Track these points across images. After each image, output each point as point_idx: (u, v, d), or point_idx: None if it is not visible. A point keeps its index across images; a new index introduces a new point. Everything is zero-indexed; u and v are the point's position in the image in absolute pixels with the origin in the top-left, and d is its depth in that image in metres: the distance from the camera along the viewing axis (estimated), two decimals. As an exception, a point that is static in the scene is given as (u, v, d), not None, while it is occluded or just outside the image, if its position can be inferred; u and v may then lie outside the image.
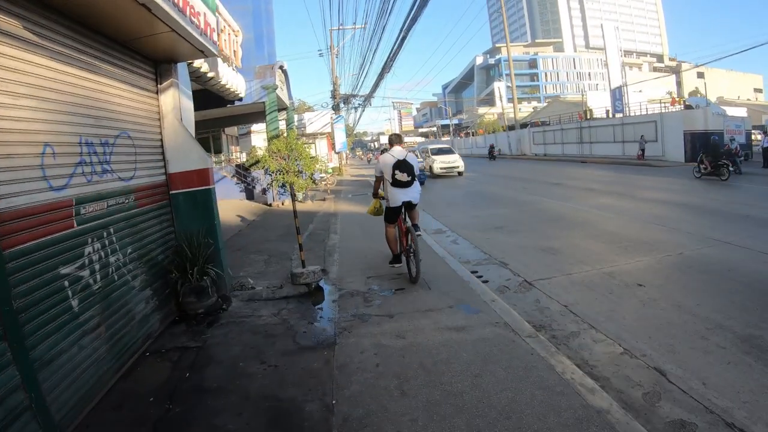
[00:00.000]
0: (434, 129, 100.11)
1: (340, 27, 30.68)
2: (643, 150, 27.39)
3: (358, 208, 15.04)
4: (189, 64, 10.03)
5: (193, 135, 6.98)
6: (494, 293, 5.92)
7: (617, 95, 35.48)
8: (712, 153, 17.57)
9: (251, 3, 31.00)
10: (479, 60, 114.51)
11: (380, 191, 7.25)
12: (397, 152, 6.66)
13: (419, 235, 6.51)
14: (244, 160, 23.45)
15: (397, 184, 6.56)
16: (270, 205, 18.31)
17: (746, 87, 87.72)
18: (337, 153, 31.99)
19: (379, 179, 7.02)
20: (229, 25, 14.56)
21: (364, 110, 43.56)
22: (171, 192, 6.23)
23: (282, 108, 23.63)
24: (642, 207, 11.81)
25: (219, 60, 14.13)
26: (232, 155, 28.06)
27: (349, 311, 5.56)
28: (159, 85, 6.29)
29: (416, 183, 6.66)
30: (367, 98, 35.39)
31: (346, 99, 35.47)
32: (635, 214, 10.81)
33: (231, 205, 19.08)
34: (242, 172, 22.02)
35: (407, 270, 6.77)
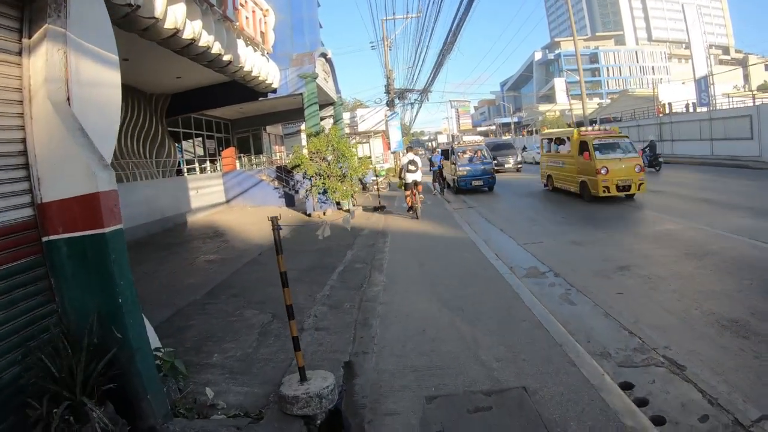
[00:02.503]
0: (493, 127, 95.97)
1: (393, 17, 27.52)
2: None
3: (416, 224, 11.79)
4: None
5: (113, 130, 4.03)
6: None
7: (702, 86, 30.38)
8: None
9: None
10: (538, 56, 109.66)
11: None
12: (411, 155, 13.96)
13: (422, 198, 13.48)
14: (287, 161, 20.75)
15: (409, 171, 13.12)
16: (309, 215, 15.40)
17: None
18: (393, 153, 28.98)
19: (401, 169, 13.87)
20: (254, 2, 11.75)
21: (420, 107, 40.20)
22: (44, 238, 3.24)
23: (328, 103, 20.75)
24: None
25: (240, 41, 11.32)
26: (275, 156, 25.51)
27: None
28: (25, 40, 3.33)
29: (419, 171, 13.31)
30: (424, 92, 32.01)
31: (401, 94, 32.25)
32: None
33: (265, 215, 16.21)
34: (284, 176, 19.34)
35: (416, 217, 12.65)
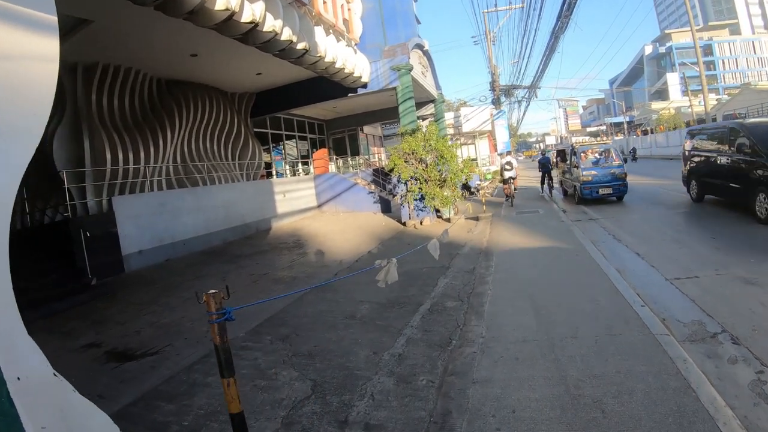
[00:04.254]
0: (603, 127, 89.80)
1: (495, 9, 25.06)
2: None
3: (528, 240, 9.56)
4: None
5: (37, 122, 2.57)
6: None
7: None
8: None
9: None
10: (648, 50, 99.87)
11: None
12: (507, 158, 18.72)
13: (516, 189, 17.55)
14: (385, 163, 19.24)
15: (505, 170, 17.18)
16: (404, 223, 13.69)
17: None
18: (500, 154, 26.58)
19: (501, 168, 18.42)
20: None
21: (528, 105, 37.17)
22: None
23: (427, 100, 18.92)
24: None
25: (318, 29, 9.87)
26: (372, 158, 24.18)
27: None
28: None
29: (514, 170, 17.22)
30: (532, 87, 28.94)
31: (508, 91, 29.50)
32: None
33: (356, 222, 14.91)
34: (380, 179, 17.87)
35: (511, 205, 16.06)
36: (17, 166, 2.50)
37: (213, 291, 2.53)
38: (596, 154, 15.06)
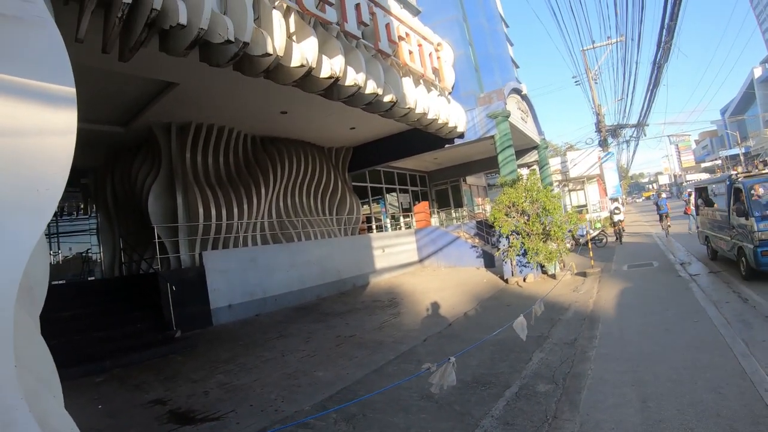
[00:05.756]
0: (718, 162, 79.80)
1: (592, 46, 23.73)
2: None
3: (639, 302, 8.14)
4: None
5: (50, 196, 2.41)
6: None
7: None
8: None
9: (454, 11, 25.31)
10: (757, 72, 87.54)
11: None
12: (616, 204, 20.98)
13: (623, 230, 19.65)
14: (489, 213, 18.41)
15: (614, 214, 19.89)
16: (506, 280, 12.66)
17: None
18: (611, 200, 24.56)
19: (611, 213, 20.83)
20: (417, 32, 10.10)
21: (637, 144, 34.32)
22: None
23: (530, 147, 17.93)
24: None
25: (406, 80, 9.66)
26: (476, 209, 23.33)
27: None
28: None
29: (621, 214, 19.69)
30: (639, 125, 26.56)
31: (614, 131, 27.42)
32: None
33: (456, 278, 14.12)
34: (484, 232, 17.02)
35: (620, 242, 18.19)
36: (24, 243, 2.30)
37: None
38: None
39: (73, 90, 2.56)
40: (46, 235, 2.69)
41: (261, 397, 5.62)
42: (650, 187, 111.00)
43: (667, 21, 11.86)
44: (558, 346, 6.30)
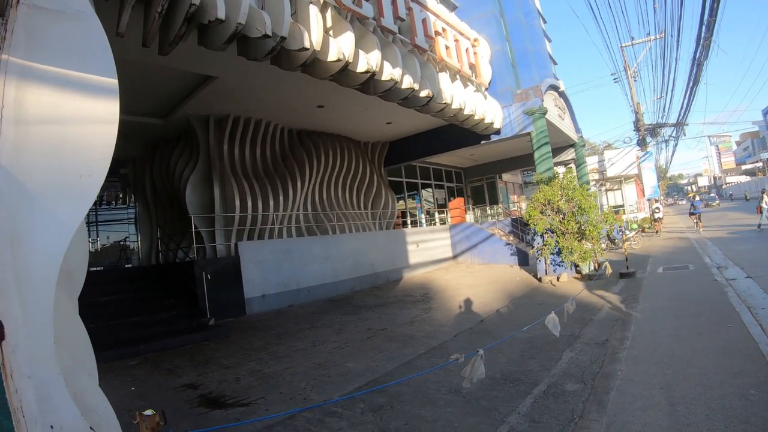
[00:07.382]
0: (759, 164, 77.39)
1: (631, 42, 23.02)
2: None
3: (672, 306, 7.83)
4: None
5: (94, 180, 2.57)
6: None
7: None
8: None
9: (491, 6, 24.78)
10: None
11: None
12: (656, 204, 22.74)
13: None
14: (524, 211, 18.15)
15: (655, 212, 22.40)
16: (540, 279, 12.47)
17: None
18: (648, 200, 23.84)
19: (652, 211, 23.16)
20: (454, 27, 9.98)
21: (676, 144, 33.13)
22: None
23: (567, 144, 17.53)
24: None
25: (443, 75, 9.60)
26: (512, 206, 23.01)
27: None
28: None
29: (660, 212, 22.68)
30: (679, 125, 25.48)
31: (653, 130, 26.42)
32: None
33: (490, 275, 14.01)
34: (519, 230, 16.81)
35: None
36: (66, 228, 2.45)
37: (149, 412, 2.12)
38: None
39: (116, 81, 2.68)
40: (85, 222, 2.84)
41: (291, 385, 5.72)
42: (689, 188, 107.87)
43: (706, 17, 11.48)
44: (589, 346, 6.18)
